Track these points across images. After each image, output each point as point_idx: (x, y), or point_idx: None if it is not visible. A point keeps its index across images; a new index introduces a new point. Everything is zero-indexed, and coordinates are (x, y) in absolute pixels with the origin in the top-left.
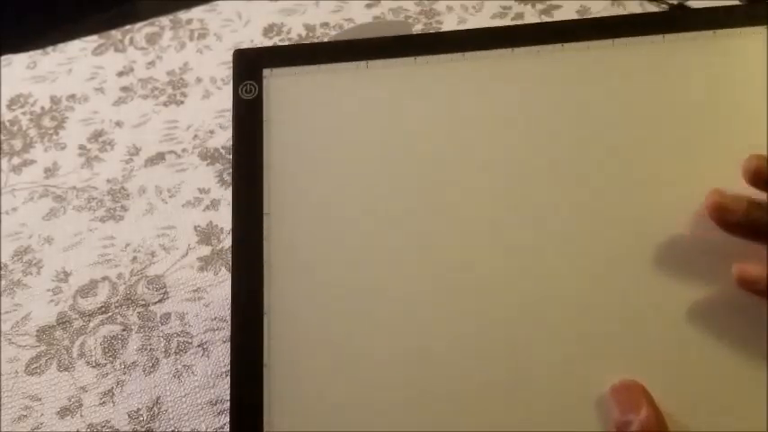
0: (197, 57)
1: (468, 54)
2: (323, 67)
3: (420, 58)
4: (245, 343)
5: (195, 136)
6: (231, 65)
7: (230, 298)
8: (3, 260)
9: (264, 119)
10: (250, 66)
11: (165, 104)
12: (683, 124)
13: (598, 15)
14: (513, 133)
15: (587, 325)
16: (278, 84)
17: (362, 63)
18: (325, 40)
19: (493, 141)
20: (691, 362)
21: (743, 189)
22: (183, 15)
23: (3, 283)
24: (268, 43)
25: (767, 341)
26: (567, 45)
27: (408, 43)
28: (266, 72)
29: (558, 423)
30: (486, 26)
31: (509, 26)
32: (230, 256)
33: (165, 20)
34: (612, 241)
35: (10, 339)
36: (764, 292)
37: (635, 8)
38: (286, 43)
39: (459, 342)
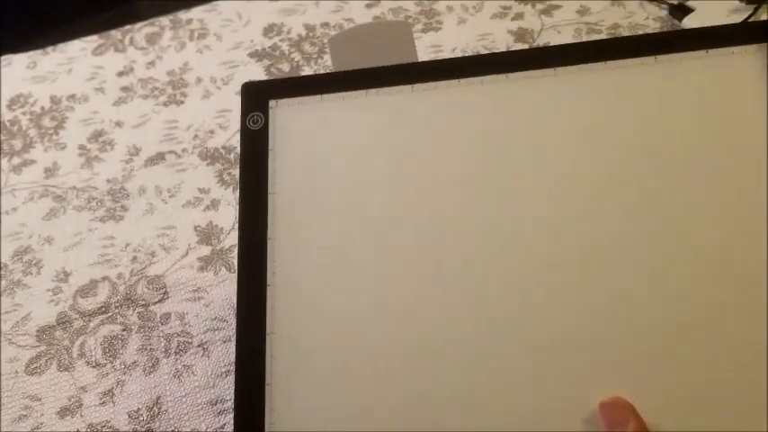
0: (197, 57)
1: (464, 81)
2: (326, 96)
3: (418, 86)
4: (248, 363)
5: (195, 136)
6: (231, 65)
7: (228, 303)
8: (3, 260)
9: (270, 148)
10: (257, 97)
11: (165, 104)
12: (676, 145)
13: (598, 14)
14: (508, 157)
15: (579, 341)
16: (283, 114)
17: (363, 92)
18: (325, 40)
19: (493, 165)
20: (680, 377)
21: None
22: (183, 15)
23: (3, 283)
24: (268, 43)
25: (767, 348)
26: (559, 69)
27: (406, 71)
28: (272, 103)
29: None
30: (480, 53)
31: (502, 52)
32: (230, 256)
33: (165, 20)
34: (609, 256)
35: (10, 339)
36: None
37: (635, 8)
38: (287, 44)
39: (456, 361)
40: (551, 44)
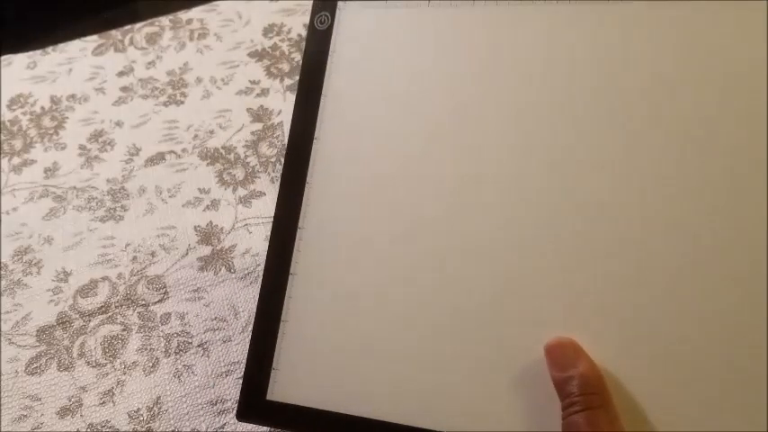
0: (197, 57)
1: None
2: (390, 3)
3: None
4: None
5: (195, 136)
6: (231, 65)
7: (228, 303)
8: (3, 260)
9: (331, 50)
10: None
11: (165, 104)
12: (682, 89)
13: None
14: (565, 79)
15: (540, 284)
16: (348, 17)
17: (425, 2)
18: None
19: (547, 85)
20: (642, 329)
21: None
22: (183, 15)
23: (3, 283)
24: (268, 43)
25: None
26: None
27: None
28: (341, 4)
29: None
30: None
31: None
32: (230, 256)
33: (165, 20)
34: (585, 193)
35: (10, 339)
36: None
37: None
38: (287, 44)
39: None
40: None
